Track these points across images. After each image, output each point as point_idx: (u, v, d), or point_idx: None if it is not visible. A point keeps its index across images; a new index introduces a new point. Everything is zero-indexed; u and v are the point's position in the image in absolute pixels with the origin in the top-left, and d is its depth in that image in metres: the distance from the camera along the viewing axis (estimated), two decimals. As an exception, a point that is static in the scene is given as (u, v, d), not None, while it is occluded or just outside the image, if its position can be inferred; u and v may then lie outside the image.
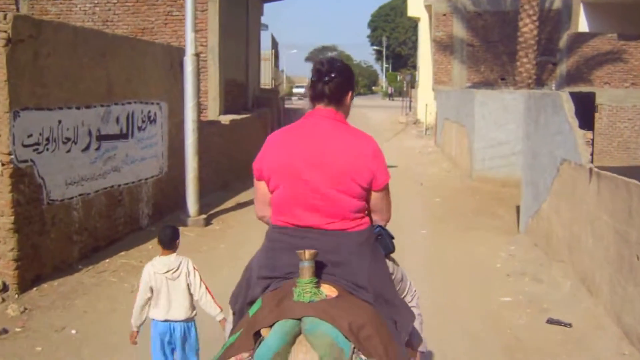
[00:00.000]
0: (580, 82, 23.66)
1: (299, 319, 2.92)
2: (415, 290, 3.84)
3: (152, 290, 5.08)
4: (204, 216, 12.01)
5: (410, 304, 3.66)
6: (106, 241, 10.00)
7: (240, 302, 3.41)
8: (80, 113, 9.19)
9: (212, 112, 16.95)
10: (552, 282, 8.52)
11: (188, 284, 5.09)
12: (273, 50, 32.01)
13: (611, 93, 22.99)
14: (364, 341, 2.90)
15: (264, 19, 25.51)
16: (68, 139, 8.87)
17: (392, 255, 3.68)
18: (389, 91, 69.67)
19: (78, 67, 9.14)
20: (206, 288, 5.15)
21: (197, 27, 16.41)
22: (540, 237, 9.99)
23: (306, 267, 3.01)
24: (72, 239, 9.05)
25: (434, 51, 28.98)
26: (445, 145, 23.26)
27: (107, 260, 9.45)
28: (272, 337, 2.89)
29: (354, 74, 3.57)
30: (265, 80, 30.59)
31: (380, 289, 3.27)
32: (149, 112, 11.45)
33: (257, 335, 2.97)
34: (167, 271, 5.06)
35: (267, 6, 25.10)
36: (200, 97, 16.34)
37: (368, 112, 42.14)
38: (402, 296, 3.65)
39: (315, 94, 3.41)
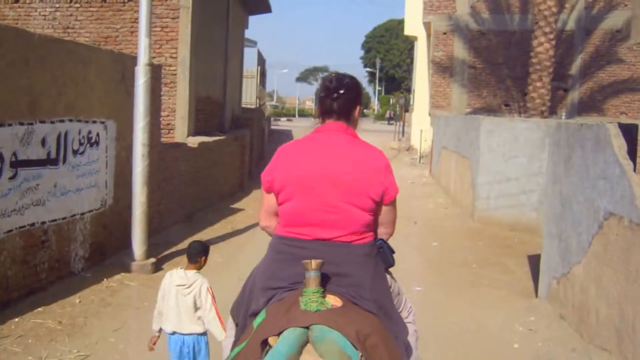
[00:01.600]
0: (593, 111, 21.78)
1: (307, 327, 2.89)
2: (410, 307, 3.82)
3: (163, 298, 5.22)
4: (152, 260, 9.85)
5: (406, 320, 3.65)
6: (22, 292, 7.86)
7: (243, 313, 3.39)
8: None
9: (180, 132, 14.86)
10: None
11: (195, 304, 5.14)
12: (259, 67, 30.03)
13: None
14: (370, 349, 2.89)
15: (253, 35, 23.61)
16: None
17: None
18: (388, 114, 67.30)
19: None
20: (216, 312, 5.16)
21: (167, 36, 14.55)
22: (570, 308, 7.86)
23: (312, 277, 3.02)
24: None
25: (431, 73, 26.99)
26: (442, 176, 21.13)
27: (17, 319, 7.34)
28: (280, 344, 2.85)
29: (362, 88, 3.66)
30: (249, 99, 28.77)
31: (382, 302, 3.27)
32: (90, 132, 9.33)
33: (265, 344, 2.93)
34: (180, 285, 5.15)
35: (258, 22, 23.21)
36: (168, 115, 14.35)
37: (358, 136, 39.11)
38: (399, 311, 3.62)
39: (324, 110, 3.48)
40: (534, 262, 11.24)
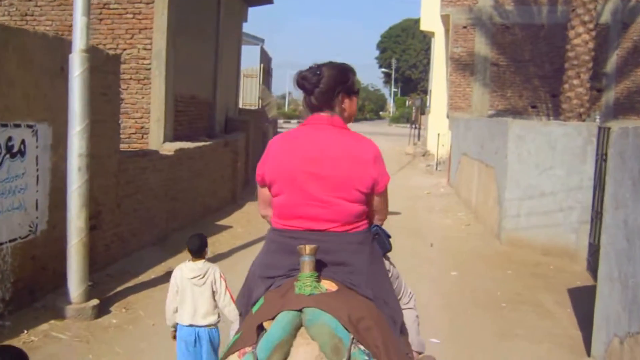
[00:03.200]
0: (631, 113, 19.57)
1: (300, 311, 2.89)
2: (411, 292, 3.86)
3: (177, 293, 5.26)
4: (94, 302, 7.70)
5: (407, 305, 3.73)
6: None
7: (245, 302, 3.40)
8: None
9: (155, 137, 12.73)
10: None
11: (213, 291, 5.22)
12: (262, 66, 27.90)
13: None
14: (363, 332, 2.88)
15: (260, 33, 21.51)
16: None
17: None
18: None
19: None
20: (230, 297, 5.18)
21: (139, 24, 12.42)
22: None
23: (307, 262, 3.03)
24: None
25: (450, 71, 24.87)
26: (462, 187, 18.84)
27: None
28: (273, 328, 2.87)
29: (347, 74, 3.45)
30: (250, 99, 26.96)
31: (379, 288, 3.26)
32: (10, 139, 7.20)
33: (260, 329, 2.94)
34: (194, 277, 5.19)
35: (268, 21, 21.10)
36: (141, 117, 12.26)
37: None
38: (399, 297, 3.66)
39: (307, 104, 3.44)
40: (577, 299, 9.19)
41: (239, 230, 13.27)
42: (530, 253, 11.77)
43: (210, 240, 11.73)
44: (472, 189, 16.65)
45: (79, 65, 7.36)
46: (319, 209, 3.24)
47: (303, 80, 3.39)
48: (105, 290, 8.55)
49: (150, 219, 11.04)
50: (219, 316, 5.29)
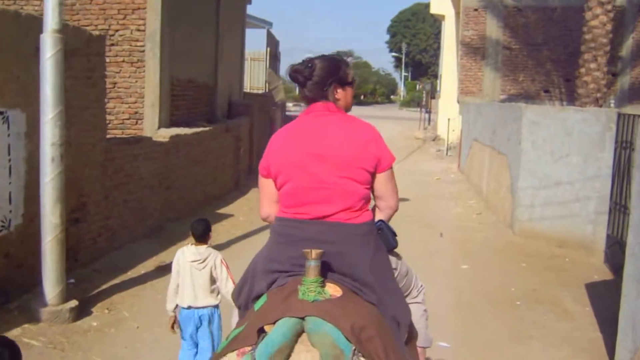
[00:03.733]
0: (646, 98, 18.76)
1: (302, 318, 2.86)
2: (421, 285, 3.83)
3: (178, 274, 5.36)
4: (72, 304, 7.11)
5: (415, 300, 3.73)
6: None
7: (245, 296, 3.38)
8: None
9: (150, 123, 12.12)
10: None
11: (213, 276, 5.30)
12: (268, 49, 27.24)
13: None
14: (365, 342, 2.83)
15: (267, 16, 20.79)
16: None
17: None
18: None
19: None
20: (232, 282, 5.21)
21: (132, 4, 11.79)
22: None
23: (312, 267, 2.98)
24: None
25: (461, 55, 24.26)
26: (473, 173, 18.17)
27: None
28: (274, 333, 2.84)
29: (339, 66, 3.50)
30: (256, 83, 26.32)
31: (383, 290, 3.21)
32: (-22, 126, 6.62)
33: (261, 331, 2.91)
34: (194, 261, 5.28)
35: (279, 7, 20.38)
36: (135, 101, 11.65)
37: (380, 124, 35.60)
38: (408, 291, 3.69)
39: (303, 96, 3.51)
40: (596, 295, 8.62)
41: (241, 219, 12.70)
42: (545, 245, 11.10)
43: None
44: (484, 176, 15.98)
45: (51, 46, 6.69)
46: (327, 191, 3.25)
47: (296, 74, 3.45)
48: (89, 288, 7.98)
49: (142, 210, 10.45)
50: (218, 296, 5.39)
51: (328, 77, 3.44)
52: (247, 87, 25.44)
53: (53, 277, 6.97)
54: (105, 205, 9.14)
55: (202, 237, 5.38)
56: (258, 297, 3.24)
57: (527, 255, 10.62)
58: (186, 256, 5.33)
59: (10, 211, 7.15)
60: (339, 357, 2.78)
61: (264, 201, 3.58)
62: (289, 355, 2.84)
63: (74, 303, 7.10)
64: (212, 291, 5.33)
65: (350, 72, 3.58)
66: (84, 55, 8.26)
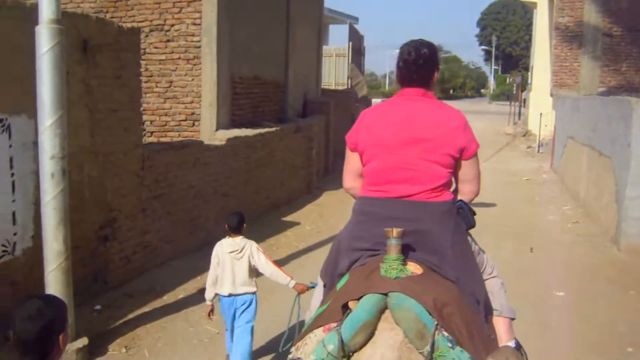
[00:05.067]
0: None
1: (386, 294, 2.92)
2: (492, 263, 3.75)
3: (218, 265, 5.62)
4: (81, 343, 6.06)
5: (491, 275, 3.64)
6: None
7: (330, 274, 3.47)
8: None
9: (207, 125, 11.09)
10: None
11: (252, 265, 5.58)
12: (350, 44, 26.17)
13: None
14: (446, 318, 2.88)
15: (354, 11, 19.53)
16: None
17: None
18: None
19: None
20: (273, 263, 5.66)
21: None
22: None
23: (393, 245, 3.02)
24: None
25: (555, 44, 22.41)
26: (568, 175, 16.42)
27: None
28: (359, 309, 2.90)
29: (437, 52, 3.62)
30: (339, 79, 25.48)
31: (462, 267, 3.25)
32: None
33: (345, 307, 2.98)
34: (232, 251, 5.57)
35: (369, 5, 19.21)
36: (191, 101, 10.66)
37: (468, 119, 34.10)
38: (483, 268, 3.60)
39: (403, 79, 3.51)
40: None
41: (307, 228, 11.57)
42: (658, 265, 9.49)
43: (269, 242, 10.11)
44: (581, 178, 14.26)
45: (47, 39, 5.54)
46: (409, 172, 3.31)
47: (408, 56, 3.46)
48: (114, 316, 6.98)
49: (191, 222, 9.42)
50: (255, 285, 5.68)
51: (435, 64, 3.54)
52: (332, 84, 25.05)
53: (62, 312, 5.91)
54: (142, 220, 8.12)
55: (237, 228, 5.64)
56: (341, 275, 3.32)
57: (636, 280, 9.01)
58: (224, 248, 5.62)
59: (15, 233, 6.19)
60: (422, 332, 2.80)
61: (348, 173, 3.67)
62: (372, 332, 2.88)
63: (84, 341, 6.08)
64: (250, 279, 5.63)
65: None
66: (113, 51, 7.23)
